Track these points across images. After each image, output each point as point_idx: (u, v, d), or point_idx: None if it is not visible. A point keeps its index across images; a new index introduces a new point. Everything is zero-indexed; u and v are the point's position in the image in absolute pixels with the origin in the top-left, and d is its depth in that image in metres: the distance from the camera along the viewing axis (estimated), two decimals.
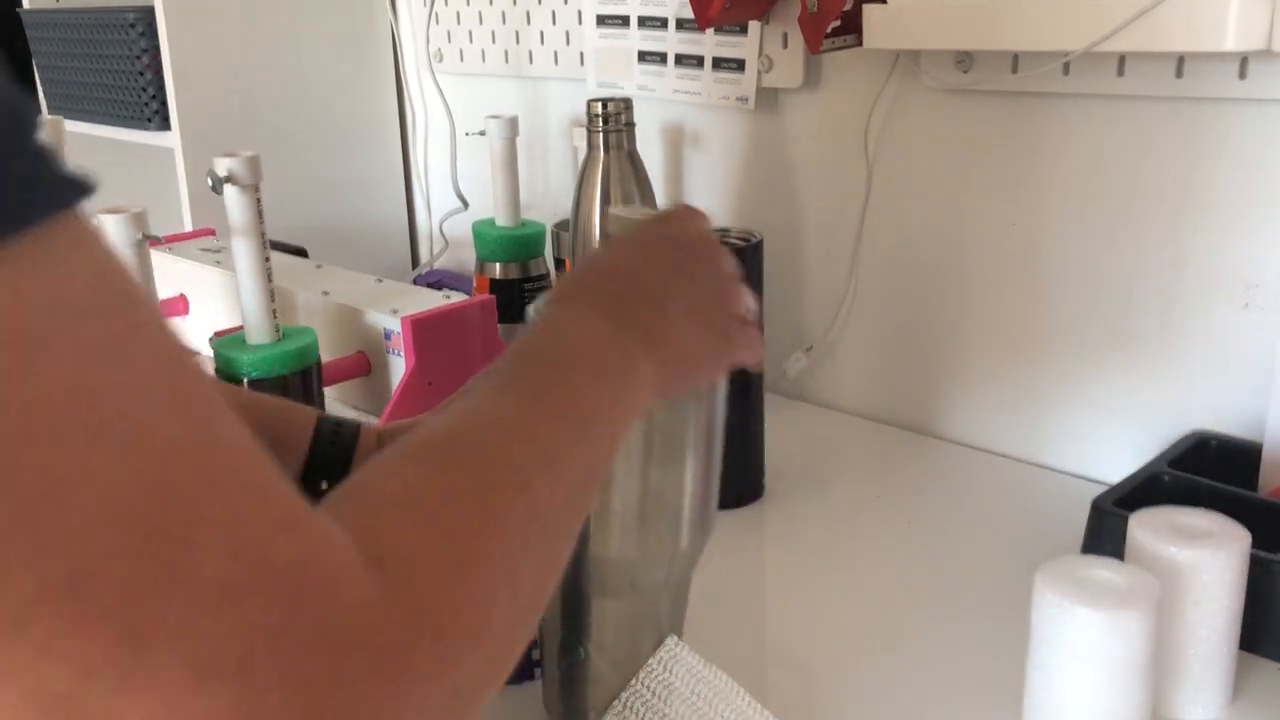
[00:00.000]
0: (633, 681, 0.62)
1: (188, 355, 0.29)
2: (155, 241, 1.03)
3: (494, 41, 1.35)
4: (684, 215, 0.58)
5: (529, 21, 1.30)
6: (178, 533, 0.26)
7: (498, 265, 1.22)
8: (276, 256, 0.96)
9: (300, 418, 0.63)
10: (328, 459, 0.62)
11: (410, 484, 0.36)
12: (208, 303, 1.15)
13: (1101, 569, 0.59)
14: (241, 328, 0.89)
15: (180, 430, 0.27)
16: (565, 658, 0.62)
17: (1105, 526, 0.74)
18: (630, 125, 1.06)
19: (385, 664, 0.29)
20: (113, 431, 0.26)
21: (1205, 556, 0.61)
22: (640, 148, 1.08)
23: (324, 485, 0.62)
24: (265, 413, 0.63)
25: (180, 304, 1.19)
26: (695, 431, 0.58)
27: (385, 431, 0.64)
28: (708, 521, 0.61)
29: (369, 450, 0.63)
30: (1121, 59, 0.84)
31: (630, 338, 0.49)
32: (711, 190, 1.17)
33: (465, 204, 1.40)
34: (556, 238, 1.22)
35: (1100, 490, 0.79)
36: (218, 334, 0.95)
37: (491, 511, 0.37)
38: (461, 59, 1.40)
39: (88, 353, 0.26)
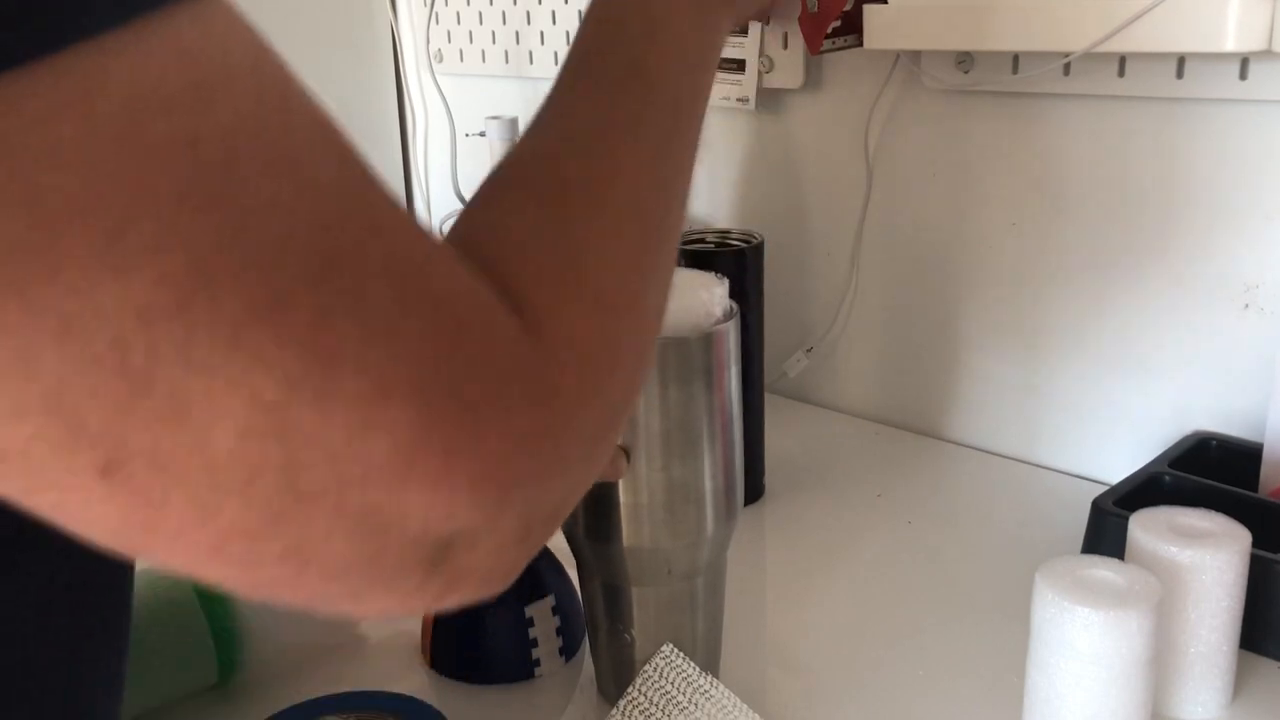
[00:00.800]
0: (629, 690, 0.62)
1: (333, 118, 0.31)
2: None
3: (494, 42, 1.35)
4: None
5: (529, 22, 1.30)
6: (348, 264, 0.28)
7: None
8: None
9: None
10: None
11: (528, 224, 0.37)
12: None
13: (1102, 569, 0.59)
14: None
15: (341, 174, 0.30)
16: (613, 643, 0.65)
17: (1106, 526, 0.74)
18: None
19: (540, 394, 0.32)
20: (287, 168, 0.28)
21: (1206, 557, 0.61)
22: None
23: None
24: None
25: None
26: (711, 424, 0.60)
27: None
28: (733, 507, 0.63)
29: None
30: (1122, 59, 0.84)
31: None
32: (712, 191, 1.17)
33: (465, 205, 1.40)
34: None
35: (1100, 490, 0.79)
36: None
37: (608, 239, 0.38)
38: (461, 59, 1.40)
39: (261, 96, 0.28)
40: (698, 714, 0.62)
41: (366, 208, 0.30)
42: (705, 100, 0.47)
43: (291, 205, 0.28)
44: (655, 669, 0.63)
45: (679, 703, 0.62)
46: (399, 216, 0.31)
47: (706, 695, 0.62)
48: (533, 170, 0.40)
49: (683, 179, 0.45)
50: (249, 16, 0.30)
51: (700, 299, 0.59)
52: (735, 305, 0.62)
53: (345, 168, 0.30)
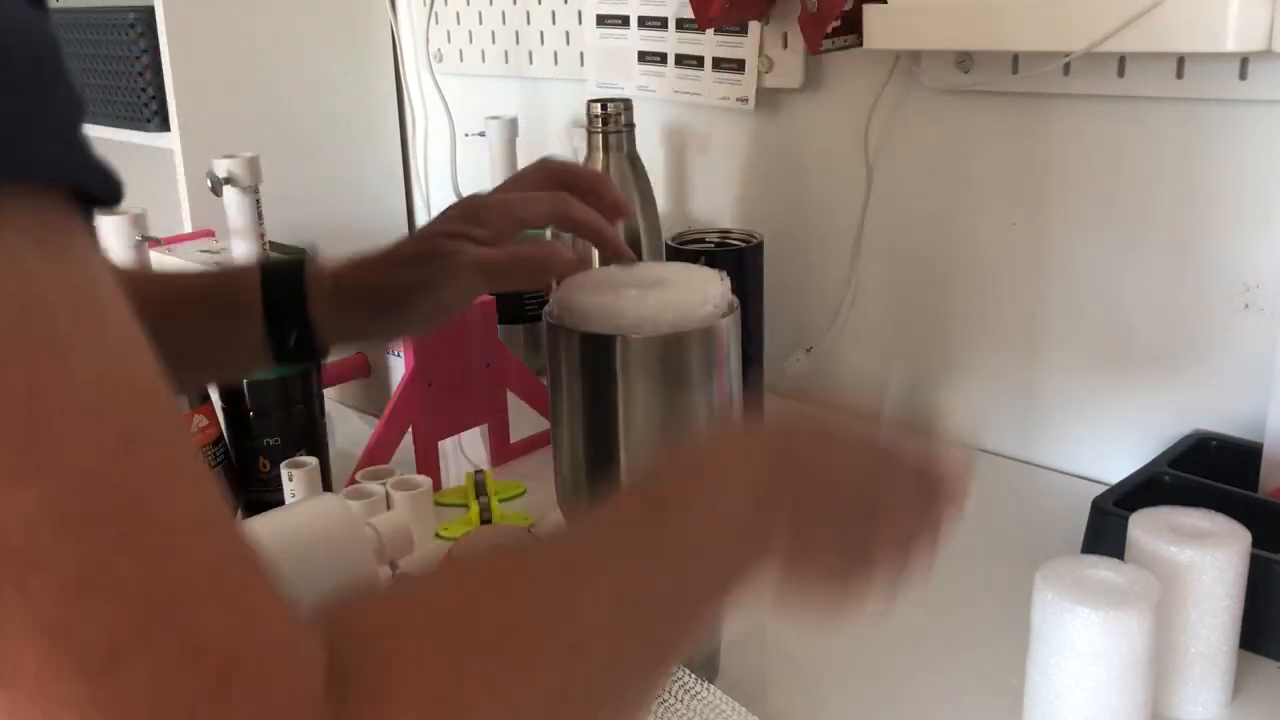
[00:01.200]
0: None
1: (145, 379, 0.26)
2: (155, 243, 1.03)
3: (494, 42, 1.35)
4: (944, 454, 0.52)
5: (529, 21, 1.30)
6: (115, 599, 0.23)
7: None
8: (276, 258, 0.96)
9: (245, 280, 0.63)
10: (283, 306, 0.63)
11: (411, 658, 0.30)
12: None
13: (1102, 569, 0.59)
14: None
15: (109, 459, 0.24)
16: None
17: (1105, 526, 0.74)
18: (630, 126, 1.06)
19: None
20: (12, 438, 0.23)
21: (1205, 556, 0.61)
22: (640, 148, 1.08)
23: (292, 337, 0.63)
24: (210, 289, 0.64)
25: None
26: (711, 417, 0.60)
27: (337, 273, 0.65)
28: None
29: (321, 282, 0.63)
30: (1122, 59, 0.84)
31: (771, 532, 0.45)
32: (712, 191, 1.17)
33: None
34: (556, 239, 1.22)
35: (1100, 490, 0.79)
36: None
37: (520, 667, 0.31)
38: (461, 59, 1.40)
39: (44, 369, 0.24)
40: (694, 718, 0.62)
41: (170, 525, 0.24)
42: (709, 611, 0.43)
43: (14, 481, 0.23)
44: None
45: (675, 709, 0.62)
46: (217, 545, 0.25)
47: (701, 699, 0.62)
48: (485, 566, 0.34)
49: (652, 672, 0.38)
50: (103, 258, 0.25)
51: (701, 294, 0.59)
52: (736, 300, 0.62)
53: (129, 451, 0.24)
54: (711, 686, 0.63)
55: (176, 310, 0.63)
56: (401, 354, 0.96)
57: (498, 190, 0.68)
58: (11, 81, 0.23)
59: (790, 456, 0.47)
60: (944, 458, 0.52)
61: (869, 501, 0.49)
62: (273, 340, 0.63)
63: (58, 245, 0.24)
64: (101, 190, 0.26)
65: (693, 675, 0.63)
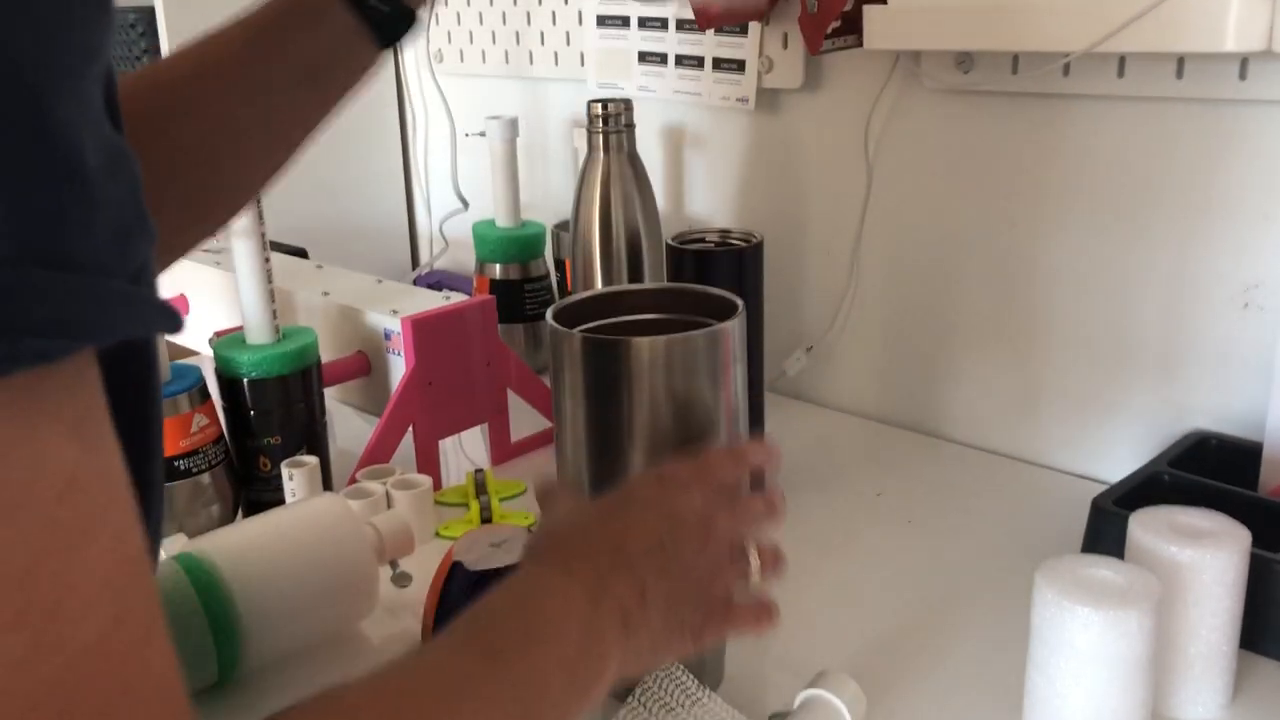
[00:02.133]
0: (629, 700, 0.62)
1: (137, 555, 0.28)
2: None
3: (494, 42, 1.35)
4: (683, 481, 0.55)
5: (529, 22, 1.30)
6: None
7: (498, 266, 1.22)
8: (276, 257, 0.96)
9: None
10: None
11: None
12: (208, 303, 1.15)
13: (1102, 568, 0.59)
14: (241, 328, 0.89)
15: (102, 636, 0.27)
16: None
17: (1105, 526, 0.74)
18: (630, 126, 1.05)
19: None
20: (30, 620, 0.25)
21: (1205, 556, 0.61)
22: (640, 148, 1.08)
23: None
24: (285, 4, 0.62)
25: (181, 304, 1.18)
26: (717, 418, 0.60)
27: None
28: None
29: None
30: (1122, 60, 0.84)
31: (606, 623, 0.48)
32: (712, 191, 1.17)
33: (465, 205, 1.40)
34: (556, 238, 1.23)
35: (1100, 489, 0.79)
36: (218, 334, 0.95)
37: None
38: (462, 59, 1.40)
39: (25, 533, 0.25)
40: None
41: (121, 672, 0.27)
42: None
43: (23, 665, 0.25)
44: (654, 679, 0.63)
45: (677, 713, 0.62)
46: (157, 692, 0.28)
47: (703, 705, 0.62)
48: (371, 688, 0.39)
49: None
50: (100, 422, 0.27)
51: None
52: (741, 303, 0.62)
53: (116, 625, 0.27)
54: (713, 694, 0.63)
55: (265, 39, 0.61)
56: (401, 353, 0.96)
57: None
58: (96, 244, 0.26)
59: (600, 583, 0.49)
60: (681, 496, 0.54)
61: (668, 548, 0.51)
62: (363, 18, 0.61)
63: (92, 428, 0.27)
64: (169, 326, 0.28)
65: (695, 681, 0.63)
